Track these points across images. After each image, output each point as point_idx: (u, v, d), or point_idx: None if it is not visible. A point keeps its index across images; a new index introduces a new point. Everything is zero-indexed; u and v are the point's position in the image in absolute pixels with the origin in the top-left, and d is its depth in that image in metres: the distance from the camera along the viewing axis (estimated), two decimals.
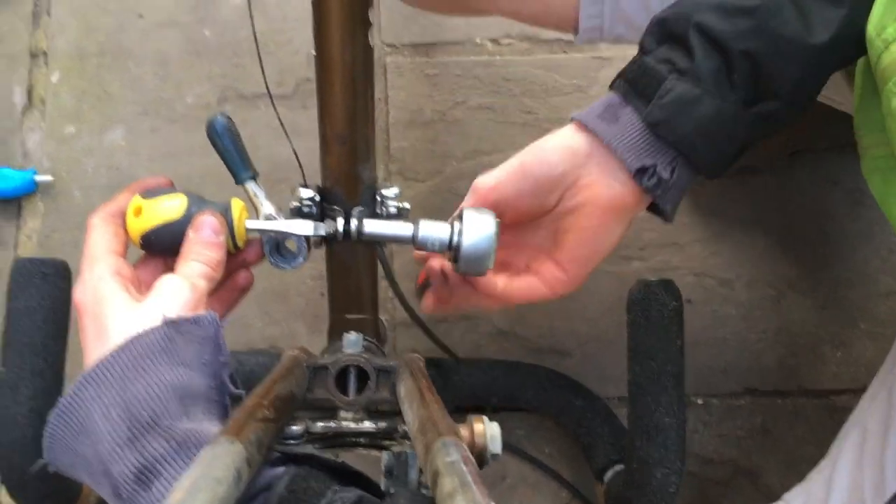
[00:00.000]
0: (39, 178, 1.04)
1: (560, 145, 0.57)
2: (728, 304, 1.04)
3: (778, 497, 0.97)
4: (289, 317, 1.03)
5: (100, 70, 1.10)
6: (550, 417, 0.98)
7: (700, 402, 1.01)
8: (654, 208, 0.59)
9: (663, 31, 0.55)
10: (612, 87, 0.58)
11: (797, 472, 0.98)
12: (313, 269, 1.03)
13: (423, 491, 0.53)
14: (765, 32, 0.52)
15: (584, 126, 0.56)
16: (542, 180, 0.57)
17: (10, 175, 1.03)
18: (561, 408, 0.93)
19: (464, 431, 0.45)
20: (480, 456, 0.45)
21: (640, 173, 0.55)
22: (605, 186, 0.57)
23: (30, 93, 1.10)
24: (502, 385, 0.93)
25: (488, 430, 0.45)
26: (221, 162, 1.05)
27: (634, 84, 0.55)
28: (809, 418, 1.01)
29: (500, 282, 0.60)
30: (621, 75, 0.57)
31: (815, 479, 0.73)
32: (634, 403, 0.74)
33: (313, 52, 0.56)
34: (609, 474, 0.87)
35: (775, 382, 1.02)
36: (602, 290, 1.03)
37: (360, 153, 0.58)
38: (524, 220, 0.61)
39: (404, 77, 1.11)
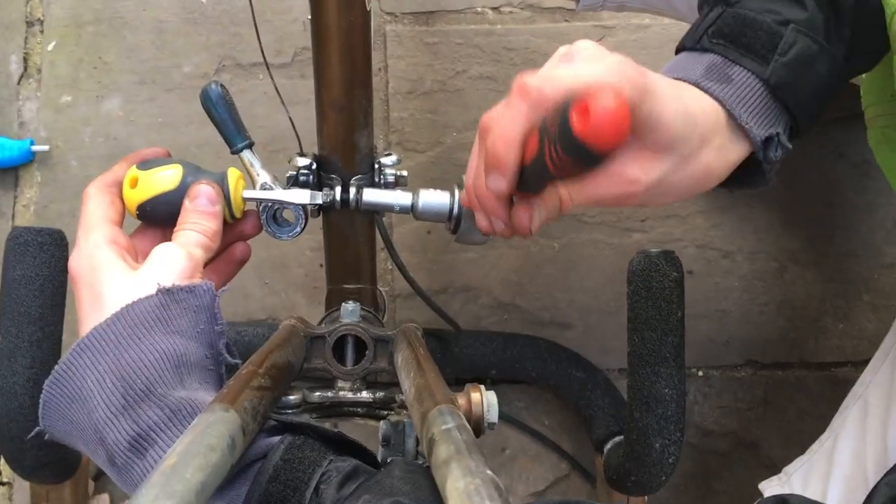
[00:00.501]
0: (36, 147, 1.03)
1: (681, 115, 0.46)
2: (730, 276, 1.03)
3: (779, 469, 0.97)
4: (288, 287, 1.02)
5: (96, 38, 1.09)
6: (550, 389, 0.98)
7: (701, 373, 1.01)
8: (737, 181, 0.51)
9: None
10: (696, 45, 0.49)
11: (798, 443, 0.98)
12: (312, 241, 1.03)
13: (420, 460, 0.53)
14: None
15: (699, 86, 0.47)
16: (689, 125, 0.47)
17: (6, 144, 1.02)
18: (561, 379, 0.93)
19: (461, 400, 0.45)
20: (477, 425, 0.45)
21: (766, 144, 0.48)
22: (721, 165, 0.48)
23: (26, 61, 1.08)
24: (502, 357, 0.93)
25: (485, 399, 0.45)
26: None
27: (737, 39, 0.48)
28: (811, 390, 1.00)
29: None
30: (711, 31, 0.49)
31: (817, 452, 0.73)
32: (634, 374, 0.73)
33: (309, 18, 0.55)
34: (609, 445, 0.87)
35: (777, 354, 1.01)
36: (603, 262, 1.03)
37: (358, 121, 0.57)
38: None
39: (404, 46, 1.10)
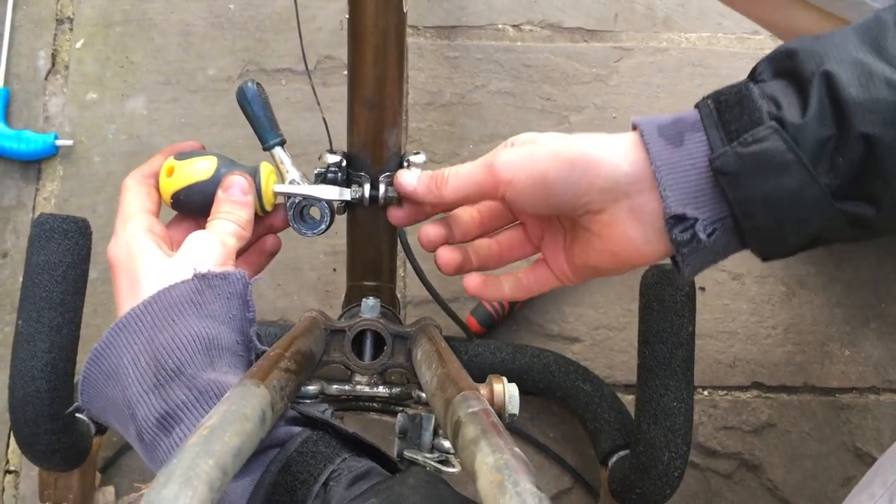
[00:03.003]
0: (60, 142, 1.05)
1: (602, 166, 0.46)
2: (739, 298, 1.04)
3: (780, 492, 0.97)
4: (301, 290, 1.03)
5: (124, 38, 1.11)
6: (556, 402, 0.98)
7: (706, 394, 1.02)
8: (671, 258, 0.50)
9: (785, 63, 0.45)
10: (698, 103, 0.47)
11: (801, 467, 0.99)
12: (327, 245, 1.04)
13: (436, 454, 0.54)
14: None
15: (641, 139, 0.46)
16: (563, 200, 0.48)
17: (31, 138, 1.03)
18: (568, 392, 0.94)
19: (483, 390, 0.46)
20: (499, 415, 0.46)
21: (674, 220, 0.45)
22: (623, 237, 0.47)
23: (54, 58, 1.10)
24: (511, 367, 0.94)
25: (507, 391, 0.46)
26: (240, 133, 1.06)
27: (723, 109, 0.45)
28: (815, 415, 1.01)
29: (511, 281, 0.57)
30: (716, 93, 0.46)
31: None
32: (643, 386, 0.74)
33: (346, 17, 0.57)
34: (614, 459, 0.87)
35: (782, 378, 1.02)
36: (613, 278, 1.04)
37: (388, 119, 0.58)
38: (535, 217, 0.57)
39: (425, 59, 1.12)
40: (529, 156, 0.49)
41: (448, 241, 0.57)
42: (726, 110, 0.44)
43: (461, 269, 0.56)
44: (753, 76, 0.46)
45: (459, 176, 0.51)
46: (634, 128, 0.48)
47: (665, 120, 0.47)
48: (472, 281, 0.57)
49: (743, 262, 1.05)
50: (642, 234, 0.47)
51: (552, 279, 0.56)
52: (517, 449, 0.33)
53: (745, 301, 1.04)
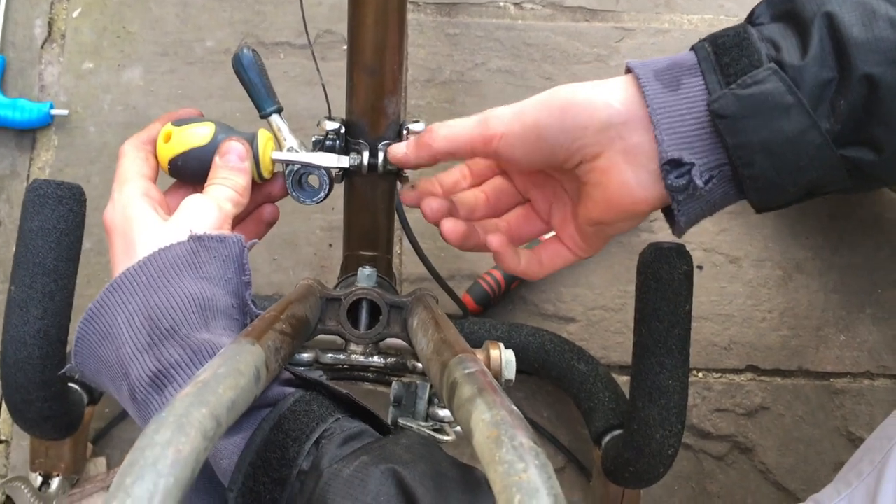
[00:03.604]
0: (55, 111, 1.04)
1: (593, 107, 0.46)
2: (736, 281, 1.04)
3: (773, 475, 0.97)
4: (296, 265, 1.03)
5: (121, 8, 1.10)
6: (550, 381, 0.98)
7: (701, 376, 1.02)
8: (666, 210, 0.50)
9: (785, 5, 0.44)
10: (694, 45, 0.46)
11: (794, 451, 0.99)
12: (323, 220, 1.03)
13: (430, 423, 0.54)
14: None
15: (635, 81, 0.46)
16: (557, 148, 0.47)
17: (26, 107, 1.02)
18: (562, 371, 0.94)
19: (479, 355, 0.45)
20: (495, 379, 0.45)
21: (670, 166, 0.44)
22: (619, 183, 0.46)
23: (50, 26, 1.09)
24: (506, 345, 0.93)
25: (504, 356, 0.45)
26: (238, 106, 1.05)
27: (721, 52, 0.44)
28: (809, 399, 1.01)
29: (528, 255, 0.56)
30: (712, 35, 0.45)
31: (857, 487, 0.68)
32: (639, 364, 0.74)
33: None
34: (607, 439, 0.87)
35: (777, 361, 1.02)
36: (610, 258, 1.04)
37: (388, 86, 0.58)
38: (534, 172, 0.56)
39: (425, 35, 1.11)
40: (521, 107, 0.49)
41: (452, 215, 0.56)
42: (724, 53, 0.44)
43: (468, 241, 0.55)
44: (751, 19, 0.45)
45: (450, 128, 0.51)
46: (628, 71, 0.47)
47: (661, 63, 0.46)
48: (495, 239, 0.55)
49: (741, 244, 1.05)
50: (636, 178, 0.46)
51: (566, 252, 0.56)
52: (514, 406, 0.33)
53: (742, 284, 1.04)
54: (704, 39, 0.45)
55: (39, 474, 0.84)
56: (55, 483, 0.84)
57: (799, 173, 0.43)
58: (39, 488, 0.83)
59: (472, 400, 0.34)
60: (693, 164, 0.44)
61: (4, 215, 1.02)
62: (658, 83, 0.45)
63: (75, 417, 0.80)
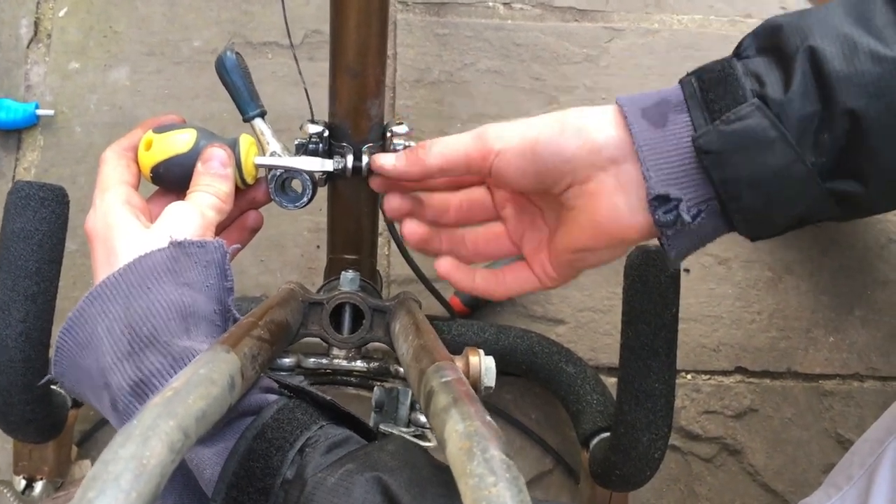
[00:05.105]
0: (41, 111, 1.03)
1: (584, 135, 0.46)
2: (725, 283, 1.04)
3: (762, 477, 0.97)
4: (284, 267, 1.02)
5: (108, 7, 1.09)
6: (539, 383, 0.98)
7: (690, 377, 1.01)
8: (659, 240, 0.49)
9: (770, 40, 0.44)
10: (681, 80, 0.46)
11: (783, 453, 0.99)
12: (310, 222, 1.03)
13: (412, 428, 0.53)
14: (888, 95, 0.40)
15: (623, 117, 0.46)
16: (549, 168, 0.47)
17: (12, 107, 1.02)
18: (551, 373, 0.93)
19: (458, 362, 0.45)
20: (474, 387, 0.45)
21: (658, 202, 0.44)
22: (609, 207, 0.46)
23: (36, 26, 1.08)
24: (494, 347, 0.93)
25: (483, 363, 0.45)
26: (224, 107, 1.05)
27: (706, 88, 0.44)
28: (798, 401, 1.01)
29: (484, 274, 0.56)
30: (699, 71, 0.45)
31: (847, 490, 0.68)
32: (625, 367, 0.73)
33: None
34: (595, 441, 0.87)
35: (766, 363, 1.02)
36: None
37: (370, 88, 0.57)
38: (523, 194, 0.55)
39: (414, 35, 1.10)
40: (521, 125, 0.48)
41: (416, 216, 0.55)
42: (710, 89, 0.44)
43: (427, 245, 0.55)
44: (738, 52, 0.45)
45: (446, 143, 0.50)
46: (616, 104, 0.47)
47: (648, 101, 0.46)
48: (445, 263, 0.55)
49: (729, 246, 1.05)
50: (628, 205, 0.46)
51: (532, 279, 0.54)
52: (489, 417, 0.32)
53: (731, 286, 1.04)
54: (691, 73, 0.45)
55: (23, 477, 0.83)
56: (39, 486, 0.83)
57: (786, 206, 0.43)
58: (23, 492, 0.83)
59: (447, 410, 0.34)
60: (680, 200, 0.44)
61: None
62: (644, 121, 0.45)
63: (59, 420, 0.79)
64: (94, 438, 0.94)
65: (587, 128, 0.46)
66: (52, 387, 0.79)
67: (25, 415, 0.73)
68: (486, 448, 0.29)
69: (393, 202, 0.55)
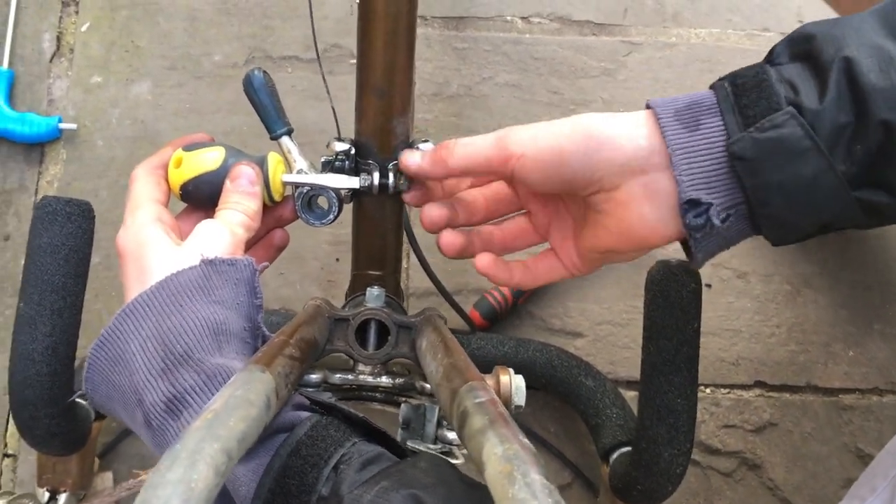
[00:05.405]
0: (64, 125, 1.04)
1: (614, 146, 0.46)
2: (743, 296, 1.04)
3: (781, 491, 0.97)
4: (303, 279, 1.03)
5: (130, 22, 1.10)
6: (557, 396, 0.98)
7: (709, 391, 1.01)
8: (683, 243, 0.50)
9: (803, 47, 0.44)
10: (713, 84, 0.47)
11: (802, 468, 0.98)
12: (330, 235, 1.03)
13: (439, 445, 0.53)
14: None
15: (656, 120, 0.46)
16: (577, 177, 0.48)
17: (35, 121, 1.03)
18: (570, 387, 0.93)
19: (489, 381, 0.45)
20: (504, 406, 0.45)
21: (688, 205, 0.45)
22: (637, 215, 0.47)
23: (59, 40, 1.10)
24: (513, 360, 0.93)
25: (514, 382, 0.45)
26: (245, 121, 1.06)
27: (740, 93, 0.44)
28: (817, 415, 1.01)
29: (520, 267, 0.57)
30: (732, 75, 0.46)
31: (871, 502, 0.68)
32: (647, 383, 0.73)
33: (356, 2, 0.56)
34: (615, 455, 0.87)
35: (785, 377, 1.01)
36: (618, 273, 1.03)
37: (397, 107, 0.58)
38: (543, 196, 0.56)
39: (432, 49, 1.11)
40: (544, 130, 0.49)
41: (451, 224, 0.56)
42: (743, 94, 0.44)
43: (464, 253, 0.56)
44: (771, 58, 0.45)
45: (468, 145, 0.51)
46: (648, 107, 0.48)
47: (680, 102, 0.46)
48: (484, 259, 0.56)
49: (748, 260, 1.05)
50: (657, 213, 0.46)
51: (560, 268, 0.56)
52: (526, 440, 0.32)
53: (750, 299, 1.04)
54: (724, 78, 0.46)
55: (47, 490, 0.84)
56: (62, 499, 0.84)
57: (814, 213, 0.44)
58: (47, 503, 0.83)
59: (484, 432, 0.34)
60: (711, 205, 0.44)
61: (13, 229, 1.03)
62: (677, 123, 0.45)
63: (83, 433, 0.80)
64: (115, 450, 0.95)
65: (617, 137, 0.47)
66: (77, 400, 0.79)
67: (51, 428, 0.73)
68: (526, 472, 0.29)
69: (432, 212, 0.56)
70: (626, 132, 0.47)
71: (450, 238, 0.55)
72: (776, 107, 0.43)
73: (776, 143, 0.42)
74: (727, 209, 0.45)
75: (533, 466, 0.30)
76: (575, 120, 0.48)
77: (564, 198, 0.55)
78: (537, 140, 0.48)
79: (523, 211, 0.58)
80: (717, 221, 0.45)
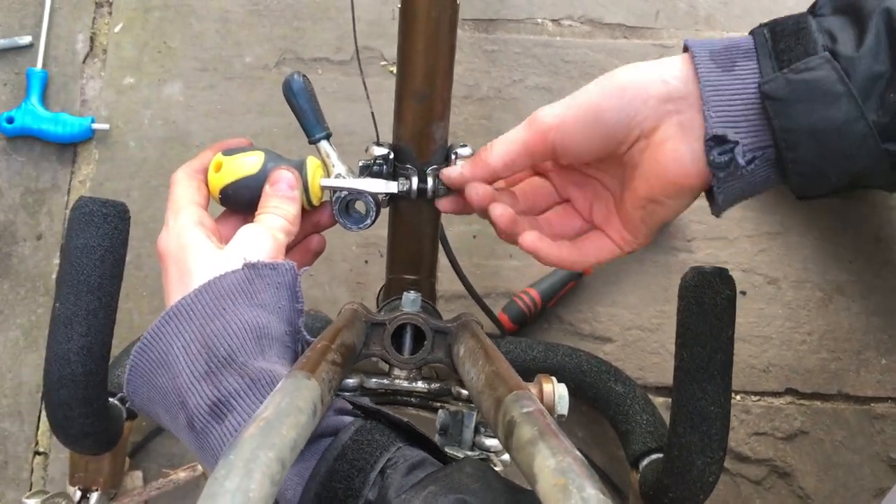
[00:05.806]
0: (96, 125, 1.05)
1: (652, 83, 0.47)
2: (774, 303, 1.03)
3: (811, 499, 0.96)
4: (332, 281, 1.03)
5: (162, 23, 1.11)
6: (585, 401, 0.97)
7: (739, 399, 1.00)
8: (707, 192, 0.50)
9: (848, 0, 0.45)
10: (753, 30, 0.47)
11: (833, 476, 0.97)
12: (359, 237, 1.03)
13: (476, 452, 0.53)
14: None
15: (692, 60, 0.47)
16: (617, 128, 0.48)
17: (68, 121, 1.04)
18: (599, 392, 0.93)
19: (532, 389, 0.45)
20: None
21: (714, 142, 0.46)
22: (673, 154, 0.47)
23: (92, 41, 1.10)
24: (543, 365, 0.93)
25: (557, 391, 0.45)
26: (275, 122, 1.06)
27: (778, 38, 0.45)
28: (849, 423, 0.99)
29: (568, 246, 0.56)
30: (772, 21, 0.46)
31: None
32: (680, 390, 0.73)
33: (398, 6, 0.56)
34: (645, 462, 0.86)
35: (816, 385, 1.01)
36: (648, 278, 1.03)
37: (437, 111, 0.58)
38: (585, 163, 0.55)
39: (463, 51, 1.11)
40: (573, 97, 0.50)
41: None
42: (781, 40, 0.45)
43: (515, 226, 0.55)
44: (813, 10, 0.46)
45: (503, 140, 0.52)
46: (686, 49, 0.48)
47: (717, 45, 0.47)
48: (531, 235, 0.55)
49: (780, 265, 1.04)
50: (690, 152, 0.47)
51: (609, 245, 0.56)
52: (578, 452, 0.32)
53: (781, 306, 1.03)
54: (764, 25, 0.46)
55: (78, 489, 0.85)
56: (94, 497, 0.85)
57: (842, 162, 0.44)
58: (78, 502, 0.84)
59: (534, 443, 0.34)
60: (737, 143, 0.45)
61: (45, 228, 1.04)
62: (712, 62, 0.46)
63: (115, 433, 0.80)
64: (146, 449, 0.96)
65: (652, 81, 0.47)
66: (110, 399, 0.80)
67: (85, 428, 0.74)
68: (582, 486, 0.29)
69: (478, 189, 0.55)
70: (659, 75, 0.48)
71: (500, 209, 0.54)
72: (812, 51, 0.43)
73: (809, 86, 0.43)
74: (753, 150, 0.45)
75: (588, 480, 0.30)
76: (605, 76, 0.49)
77: (598, 176, 0.56)
78: (568, 107, 0.49)
79: (563, 202, 0.59)
80: (741, 161, 0.45)
